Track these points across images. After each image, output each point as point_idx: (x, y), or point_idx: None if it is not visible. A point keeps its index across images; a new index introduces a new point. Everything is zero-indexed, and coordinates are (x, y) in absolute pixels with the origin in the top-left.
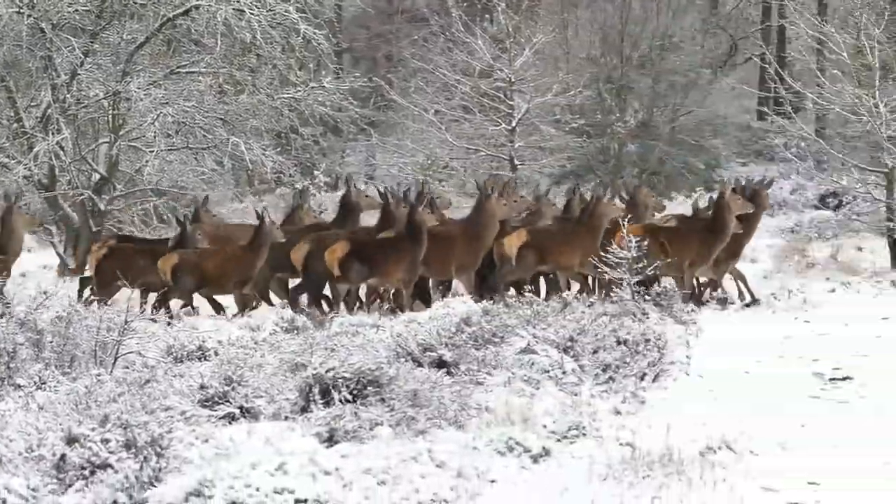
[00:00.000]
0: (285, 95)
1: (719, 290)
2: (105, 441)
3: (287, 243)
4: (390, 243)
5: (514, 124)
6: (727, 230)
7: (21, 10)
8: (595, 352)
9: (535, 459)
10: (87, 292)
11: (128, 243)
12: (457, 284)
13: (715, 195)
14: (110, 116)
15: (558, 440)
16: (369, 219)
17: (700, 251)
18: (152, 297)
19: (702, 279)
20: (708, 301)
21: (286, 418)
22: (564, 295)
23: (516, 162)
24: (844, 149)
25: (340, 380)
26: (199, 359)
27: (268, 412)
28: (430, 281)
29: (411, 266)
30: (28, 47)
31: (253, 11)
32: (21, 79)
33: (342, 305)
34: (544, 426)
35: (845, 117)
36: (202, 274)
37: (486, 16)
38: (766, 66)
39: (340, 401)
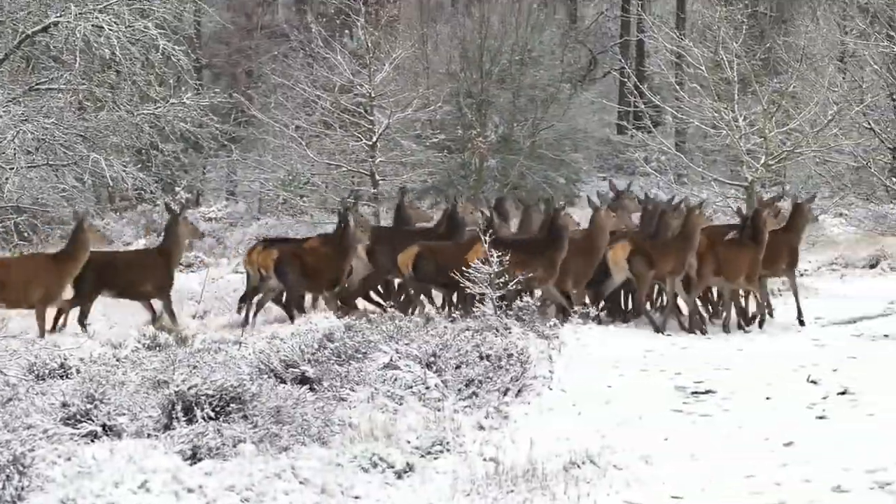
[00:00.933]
0: (145, 112)
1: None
2: None
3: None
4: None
5: (374, 140)
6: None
7: None
8: (458, 367)
9: (399, 475)
10: None
11: None
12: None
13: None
14: None
15: (422, 456)
16: None
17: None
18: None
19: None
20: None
21: (149, 436)
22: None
23: (377, 177)
24: (704, 162)
25: (203, 397)
26: (61, 376)
27: (130, 430)
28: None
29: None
30: None
31: (112, 28)
32: None
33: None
34: (408, 442)
35: (705, 131)
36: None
37: (346, 31)
38: (626, 80)
39: (203, 418)
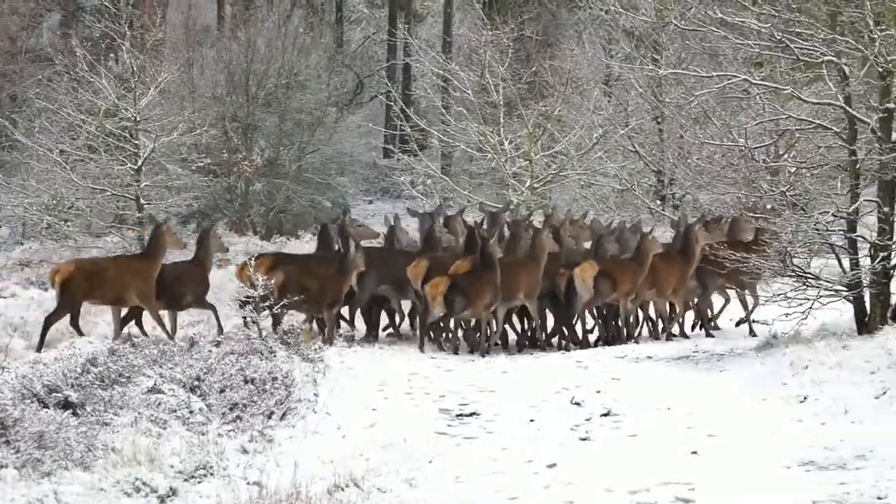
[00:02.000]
0: None
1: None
2: None
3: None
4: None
5: (140, 164)
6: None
7: None
8: (223, 391)
9: (162, 500)
10: None
11: None
12: None
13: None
14: None
15: (185, 480)
16: None
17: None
18: None
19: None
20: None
21: None
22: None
23: (143, 201)
24: (470, 185)
25: None
26: None
27: None
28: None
29: None
30: None
31: None
32: None
33: None
34: (171, 466)
35: (471, 154)
36: None
37: (111, 55)
38: (392, 104)
39: None
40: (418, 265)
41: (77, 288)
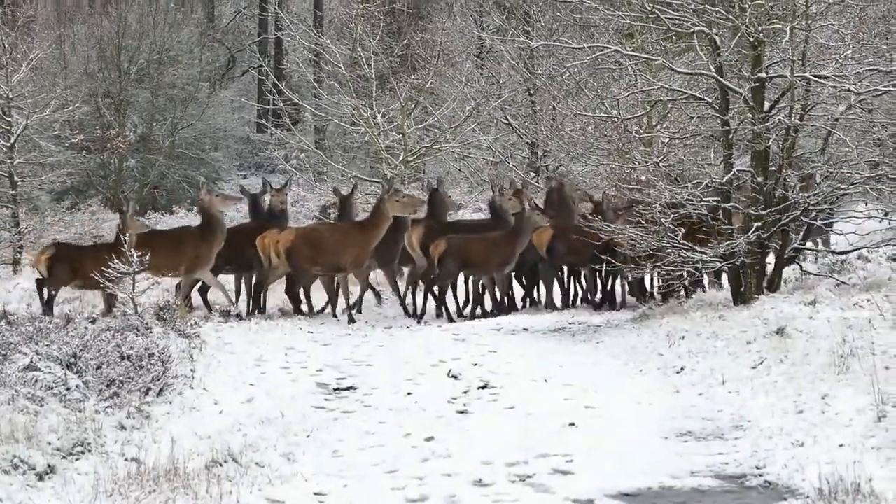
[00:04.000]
0: None
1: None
2: None
3: None
4: None
5: (12, 141)
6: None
7: None
8: (99, 367)
9: (39, 477)
10: None
11: None
12: None
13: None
14: None
15: (64, 457)
16: None
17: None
18: None
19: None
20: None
21: None
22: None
23: (16, 178)
24: (344, 159)
25: None
26: None
27: None
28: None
29: None
30: None
31: None
32: None
33: None
34: (49, 443)
35: (344, 128)
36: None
37: None
38: (264, 78)
39: None
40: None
41: (300, 255)
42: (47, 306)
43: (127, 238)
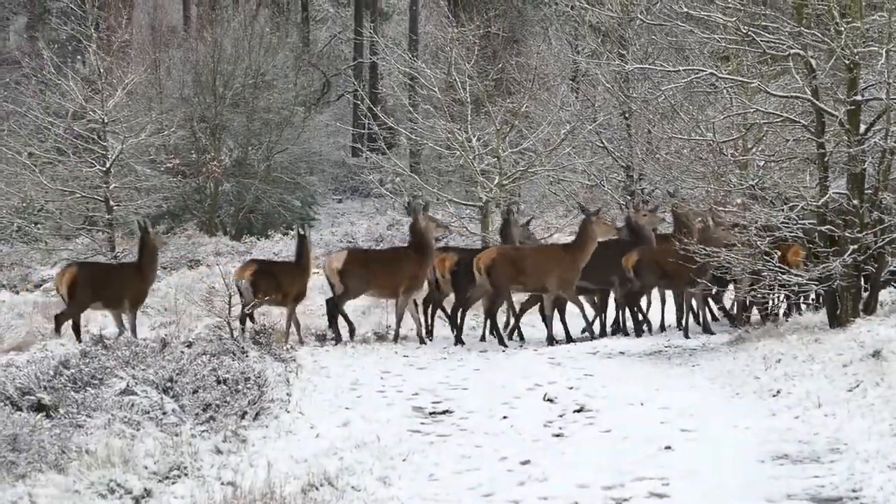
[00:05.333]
0: None
1: None
2: None
3: None
4: None
5: (108, 165)
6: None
7: None
8: (195, 391)
9: (136, 501)
10: None
11: None
12: None
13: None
14: None
15: (160, 481)
16: None
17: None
18: None
19: None
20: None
21: None
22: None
23: (112, 203)
24: (439, 183)
25: None
26: None
27: None
28: None
29: None
30: None
31: None
32: None
33: None
34: (145, 467)
35: (439, 152)
36: None
37: (78, 57)
38: (359, 102)
39: None
40: None
41: (502, 273)
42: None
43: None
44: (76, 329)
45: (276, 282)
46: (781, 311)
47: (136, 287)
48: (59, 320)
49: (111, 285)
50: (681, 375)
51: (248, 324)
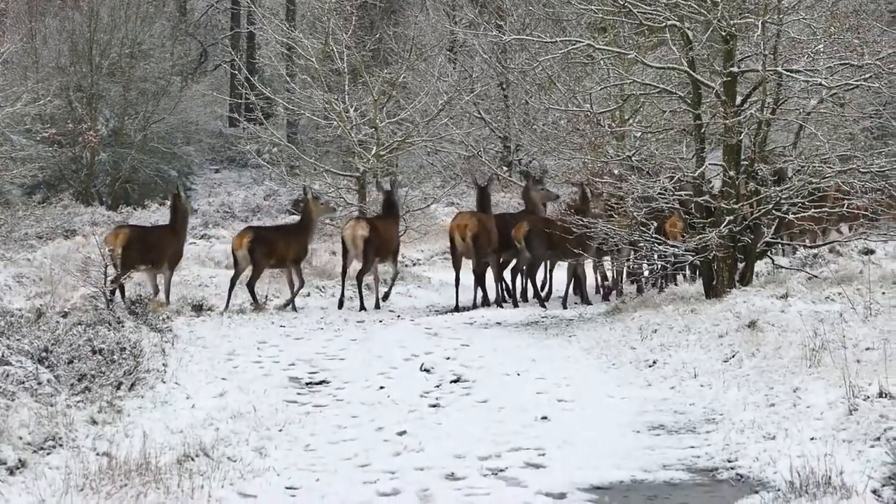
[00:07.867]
0: None
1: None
2: None
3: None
4: None
5: None
6: None
7: None
8: (70, 362)
9: (11, 472)
10: None
11: None
12: None
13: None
14: None
15: (35, 451)
16: None
17: None
18: None
19: None
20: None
21: None
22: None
23: None
24: (316, 153)
25: None
26: None
27: None
28: None
29: None
30: None
31: None
32: None
33: None
34: (20, 438)
35: (316, 122)
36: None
37: None
38: (236, 72)
39: None
40: None
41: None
42: None
43: None
44: (122, 290)
45: (147, 247)
46: (656, 282)
47: (174, 247)
48: (115, 283)
49: (156, 246)
50: (557, 346)
51: (118, 295)
